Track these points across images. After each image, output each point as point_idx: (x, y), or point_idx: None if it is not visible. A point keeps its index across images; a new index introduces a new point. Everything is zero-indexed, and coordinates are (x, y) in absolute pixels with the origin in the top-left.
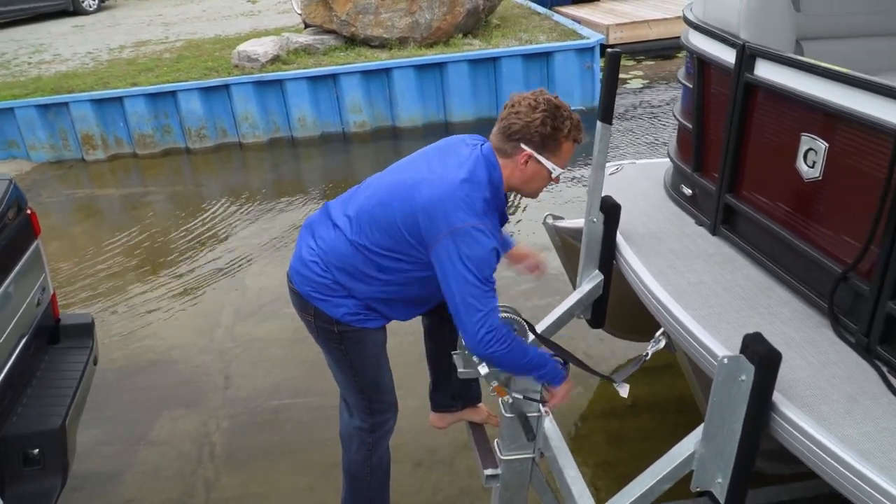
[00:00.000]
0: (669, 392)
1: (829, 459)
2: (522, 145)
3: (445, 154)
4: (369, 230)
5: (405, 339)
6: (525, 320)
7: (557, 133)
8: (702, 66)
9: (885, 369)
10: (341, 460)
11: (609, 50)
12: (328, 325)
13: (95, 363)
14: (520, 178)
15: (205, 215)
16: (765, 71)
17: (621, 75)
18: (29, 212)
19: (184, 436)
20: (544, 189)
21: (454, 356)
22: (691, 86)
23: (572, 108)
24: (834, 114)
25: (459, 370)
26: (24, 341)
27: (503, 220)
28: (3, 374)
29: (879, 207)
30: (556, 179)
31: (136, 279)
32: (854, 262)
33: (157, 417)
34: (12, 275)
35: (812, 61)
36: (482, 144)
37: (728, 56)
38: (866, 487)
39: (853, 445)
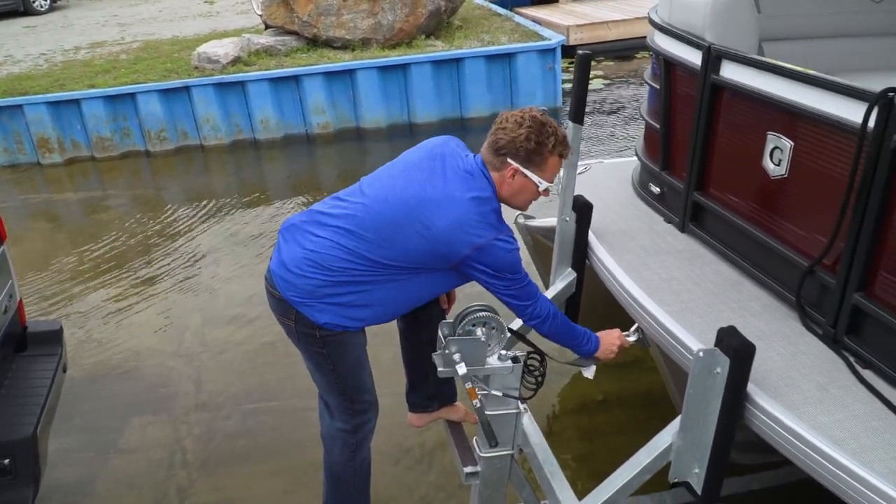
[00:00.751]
0: (637, 387)
1: (802, 447)
2: (509, 160)
3: (443, 165)
4: (377, 245)
5: (375, 340)
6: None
7: (542, 148)
8: (668, 67)
9: (852, 359)
10: (323, 462)
11: (579, 52)
12: (309, 330)
13: (65, 371)
14: (508, 191)
15: (167, 219)
16: (730, 72)
17: None
18: None
19: (155, 443)
20: (533, 203)
21: (434, 356)
22: (658, 86)
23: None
24: (798, 113)
25: (440, 370)
26: None
27: None
28: None
29: (844, 203)
30: (546, 193)
31: (98, 285)
32: (820, 257)
33: (127, 425)
34: None
35: (776, 62)
36: (475, 156)
37: (694, 57)
38: (839, 472)
39: (825, 433)
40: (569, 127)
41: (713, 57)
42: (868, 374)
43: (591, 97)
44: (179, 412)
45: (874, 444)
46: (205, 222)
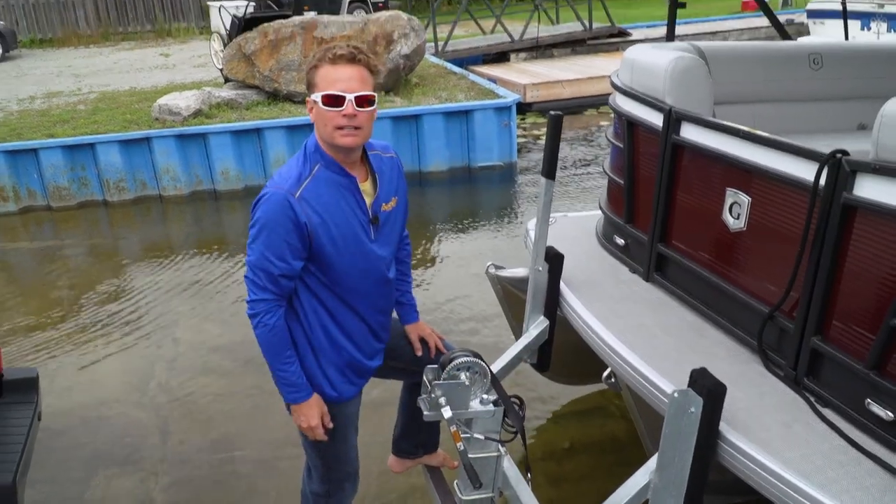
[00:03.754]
0: (602, 433)
1: (773, 480)
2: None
3: None
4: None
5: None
6: (487, 364)
7: (310, 67)
8: (630, 126)
9: (812, 399)
10: None
11: (551, 112)
12: None
13: (40, 419)
14: (316, 128)
15: (125, 269)
16: (690, 132)
17: (535, 132)
18: None
19: (122, 494)
20: (350, 140)
21: (419, 401)
22: (621, 145)
23: (491, 162)
24: (755, 171)
25: (426, 413)
26: None
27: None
28: None
29: (799, 253)
30: (347, 114)
31: (58, 335)
32: (779, 303)
33: (93, 476)
34: None
35: (733, 125)
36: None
37: (655, 119)
38: (807, 503)
39: (794, 466)
40: (541, 182)
41: (674, 119)
42: (828, 413)
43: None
44: (146, 463)
45: (839, 476)
46: (164, 272)
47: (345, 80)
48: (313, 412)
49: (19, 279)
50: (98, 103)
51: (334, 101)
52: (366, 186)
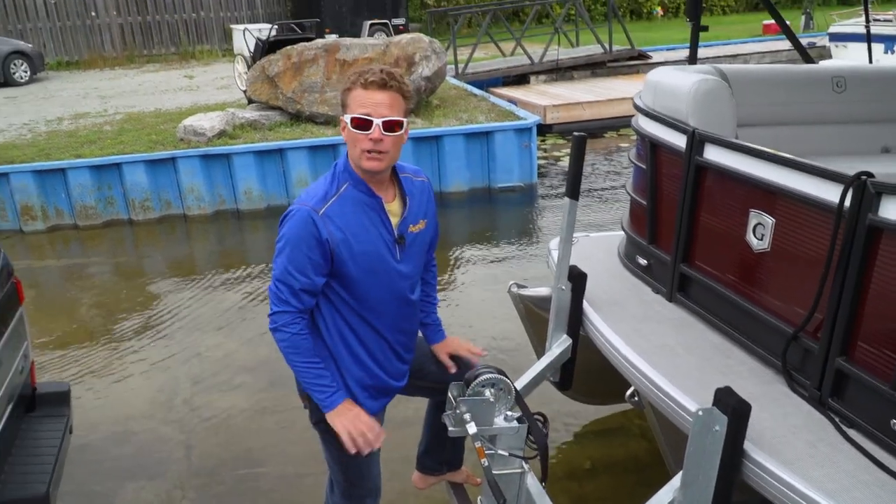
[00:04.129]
0: (624, 453)
1: (798, 499)
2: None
3: None
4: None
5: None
6: (511, 381)
7: (344, 88)
8: (653, 148)
9: (836, 419)
10: None
11: (575, 133)
12: (311, 412)
13: (71, 432)
14: (348, 148)
15: (150, 287)
16: (713, 154)
17: (555, 153)
18: (14, 280)
19: None
20: (372, 158)
21: (444, 417)
22: (644, 166)
23: (511, 184)
24: (779, 193)
25: (450, 429)
26: (9, 409)
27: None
28: None
29: (824, 274)
30: (366, 132)
31: (85, 351)
32: (803, 324)
33: (120, 489)
34: (2, 341)
35: (757, 147)
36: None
37: (679, 140)
38: None
39: (819, 486)
40: (565, 203)
41: (697, 141)
42: (853, 433)
43: (563, 173)
44: (172, 477)
45: (864, 497)
46: (189, 290)
47: (374, 104)
48: (352, 414)
49: (47, 296)
50: (124, 124)
51: (362, 124)
52: (392, 207)
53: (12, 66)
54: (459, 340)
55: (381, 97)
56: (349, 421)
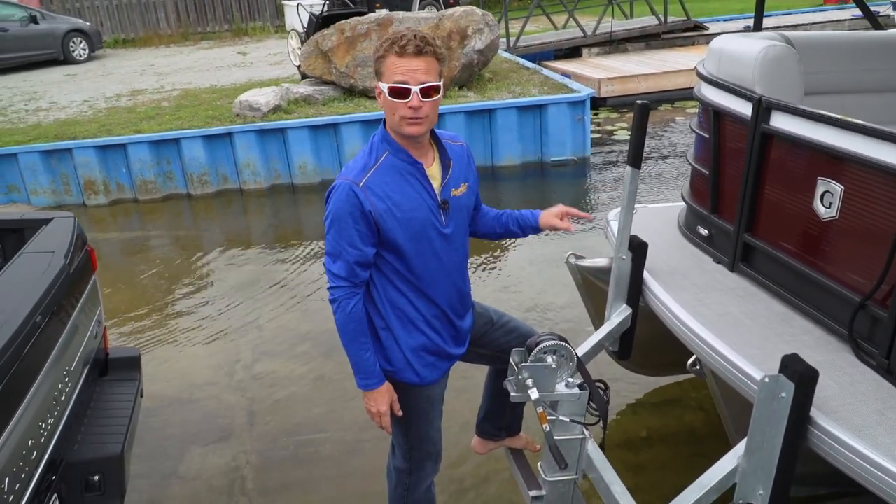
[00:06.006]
0: (680, 425)
1: (866, 465)
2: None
3: None
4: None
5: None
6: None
7: (377, 55)
8: (717, 116)
9: None
10: None
11: (638, 102)
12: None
13: (142, 396)
14: (386, 115)
15: (209, 259)
16: (780, 122)
17: (608, 127)
18: (88, 248)
19: (214, 470)
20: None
21: (506, 383)
22: (707, 135)
23: (564, 157)
24: (849, 159)
25: (512, 394)
26: (85, 371)
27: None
28: (70, 404)
29: (894, 240)
30: (413, 106)
31: (148, 321)
32: (872, 291)
33: (187, 452)
34: (78, 307)
35: (827, 113)
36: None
37: (744, 108)
38: None
39: (888, 452)
40: (626, 171)
41: (763, 108)
42: None
43: (619, 146)
44: (236, 443)
45: None
46: (247, 263)
47: (410, 71)
48: (383, 399)
49: (111, 267)
50: (181, 100)
51: (401, 92)
52: (433, 171)
53: (71, 44)
54: (562, 206)
55: (416, 63)
56: (377, 401)
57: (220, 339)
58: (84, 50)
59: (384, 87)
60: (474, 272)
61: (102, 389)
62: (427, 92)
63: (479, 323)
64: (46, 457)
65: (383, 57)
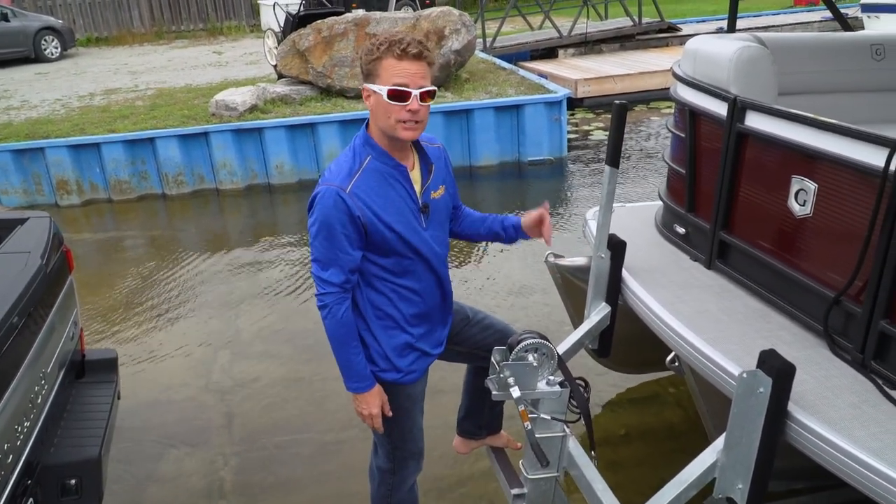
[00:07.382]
0: (658, 421)
1: (843, 458)
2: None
3: None
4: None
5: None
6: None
7: (370, 56)
8: (693, 116)
9: (880, 381)
10: None
11: (616, 101)
12: None
13: (119, 398)
14: (373, 117)
15: (185, 260)
16: (755, 121)
17: (584, 127)
18: (64, 249)
19: (192, 472)
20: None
21: (488, 381)
22: (683, 135)
23: (541, 157)
24: (822, 158)
25: (494, 393)
26: (61, 375)
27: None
28: (47, 406)
29: (867, 237)
30: (412, 109)
31: (123, 321)
32: (845, 287)
33: (164, 455)
34: (54, 308)
35: (800, 112)
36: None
37: (719, 108)
38: (879, 480)
39: (863, 444)
40: (605, 170)
41: (738, 108)
42: None
43: (596, 146)
44: (214, 444)
45: None
46: (223, 264)
47: (410, 74)
48: (374, 401)
49: (84, 268)
50: (156, 100)
51: (400, 95)
52: (415, 174)
53: (43, 42)
54: (537, 213)
55: (416, 67)
56: (369, 403)
57: (196, 339)
58: (56, 48)
59: (381, 89)
60: (455, 268)
61: (79, 391)
62: (424, 96)
63: (455, 320)
64: (22, 460)
65: (379, 59)
